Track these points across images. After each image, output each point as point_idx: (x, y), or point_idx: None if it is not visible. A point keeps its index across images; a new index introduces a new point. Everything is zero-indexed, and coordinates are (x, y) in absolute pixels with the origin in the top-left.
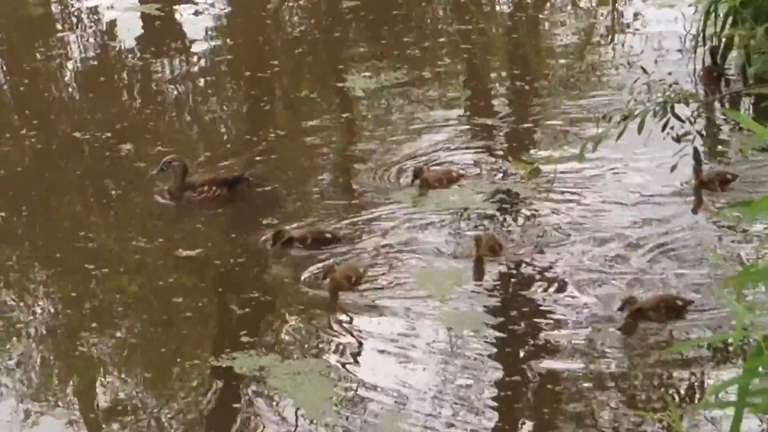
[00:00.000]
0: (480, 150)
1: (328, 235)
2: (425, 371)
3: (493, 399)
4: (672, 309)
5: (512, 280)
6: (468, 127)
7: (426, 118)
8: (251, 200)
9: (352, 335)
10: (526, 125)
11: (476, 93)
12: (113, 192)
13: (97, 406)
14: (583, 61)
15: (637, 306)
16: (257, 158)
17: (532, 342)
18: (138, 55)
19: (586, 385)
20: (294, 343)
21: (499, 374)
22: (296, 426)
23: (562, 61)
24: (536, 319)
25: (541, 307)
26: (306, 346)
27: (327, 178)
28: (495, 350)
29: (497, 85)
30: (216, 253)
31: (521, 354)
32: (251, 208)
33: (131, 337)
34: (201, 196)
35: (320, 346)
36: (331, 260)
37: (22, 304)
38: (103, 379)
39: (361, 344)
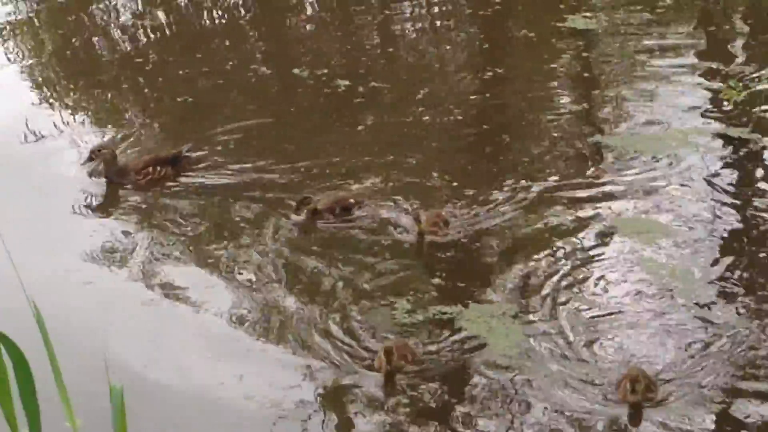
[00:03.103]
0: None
1: (351, 201)
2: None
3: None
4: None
5: None
6: (692, 71)
7: (649, 58)
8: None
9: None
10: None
11: (703, 36)
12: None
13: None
14: None
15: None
16: (471, 97)
17: None
18: None
19: None
20: (485, 287)
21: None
22: (489, 370)
23: None
24: None
25: None
26: (497, 289)
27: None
28: None
29: (726, 28)
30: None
31: None
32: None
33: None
34: (146, 178)
35: (511, 289)
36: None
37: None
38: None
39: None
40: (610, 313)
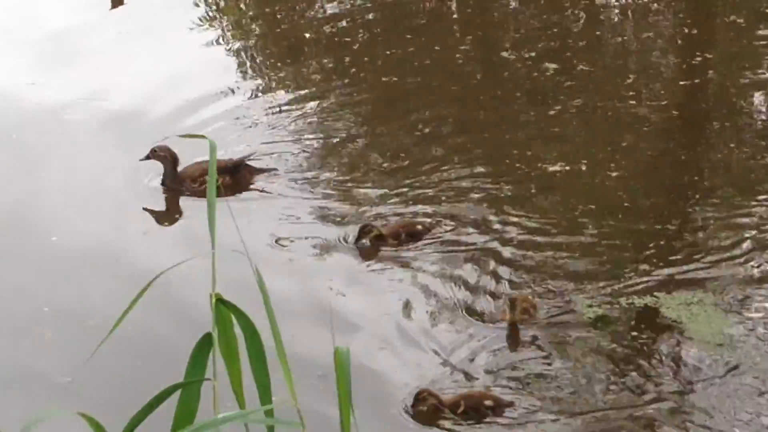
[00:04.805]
0: None
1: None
2: None
3: None
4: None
5: None
6: None
7: None
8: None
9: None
10: None
11: None
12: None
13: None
14: None
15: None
16: (680, 83)
17: None
18: None
19: None
20: (684, 273)
21: None
22: (692, 357)
23: None
24: None
25: None
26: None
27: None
28: None
29: None
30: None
31: None
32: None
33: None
34: (203, 186)
35: (712, 277)
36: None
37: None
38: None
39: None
40: None
